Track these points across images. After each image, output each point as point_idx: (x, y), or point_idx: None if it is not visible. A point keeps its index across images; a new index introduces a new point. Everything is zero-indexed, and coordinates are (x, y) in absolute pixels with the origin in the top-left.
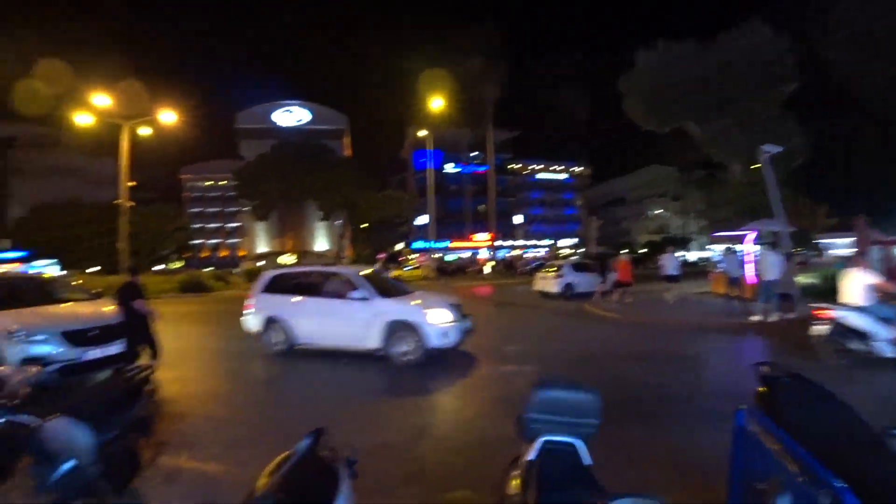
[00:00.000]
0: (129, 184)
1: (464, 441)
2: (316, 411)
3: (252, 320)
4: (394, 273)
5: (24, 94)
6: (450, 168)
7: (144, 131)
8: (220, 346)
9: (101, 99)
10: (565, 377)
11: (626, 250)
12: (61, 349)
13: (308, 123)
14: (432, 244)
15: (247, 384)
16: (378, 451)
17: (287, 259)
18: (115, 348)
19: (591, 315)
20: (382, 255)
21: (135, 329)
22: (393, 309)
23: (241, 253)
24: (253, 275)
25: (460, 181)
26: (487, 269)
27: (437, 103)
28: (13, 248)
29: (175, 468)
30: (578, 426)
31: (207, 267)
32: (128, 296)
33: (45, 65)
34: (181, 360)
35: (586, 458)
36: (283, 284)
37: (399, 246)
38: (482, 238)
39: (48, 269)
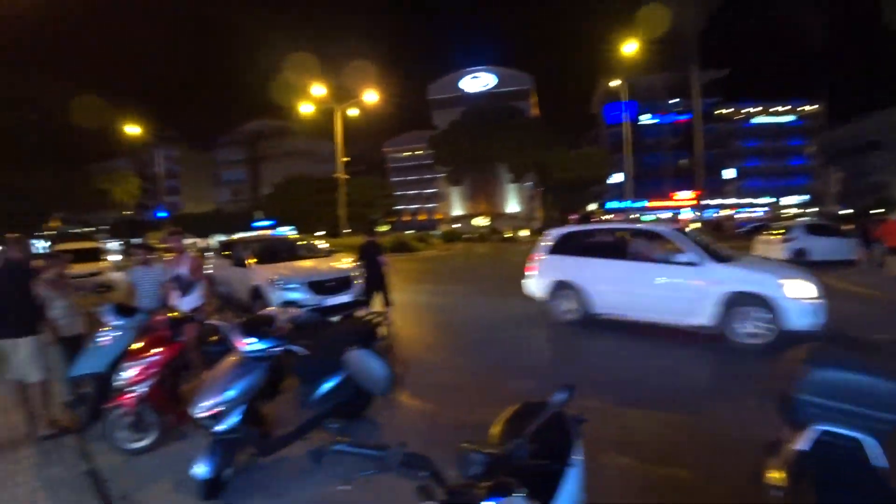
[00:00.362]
0: (344, 160)
1: (696, 419)
2: (538, 369)
3: (537, 284)
4: None
5: (269, 91)
6: (646, 119)
7: (353, 112)
8: (446, 302)
9: (318, 89)
10: (856, 355)
11: (882, 209)
12: (307, 296)
13: (494, 87)
14: (628, 204)
15: (468, 337)
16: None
17: (480, 221)
18: (347, 296)
19: (837, 288)
20: (575, 217)
21: (372, 281)
22: (735, 277)
23: (437, 216)
24: (450, 236)
25: (658, 133)
26: (692, 230)
27: (630, 47)
28: (265, 218)
29: (400, 403)
30: (871, 420)
31: (408, 230)
32: (369, 252)
33: (284, 63)
34: (410, 311)
35: (879, 459)
36: (578, 244)
37: (592, 207)
38: (685, 196)
39: (289, 233)
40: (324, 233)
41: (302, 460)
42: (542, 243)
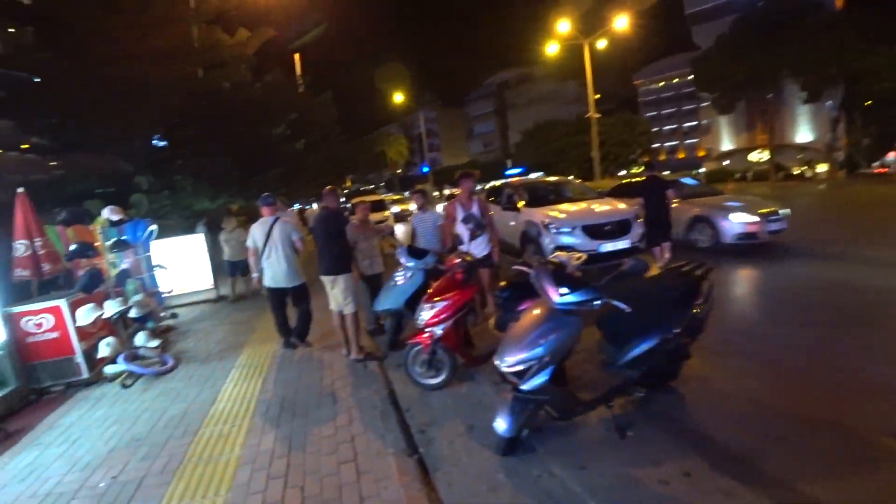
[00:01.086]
0: (594, 97)
1: None
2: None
3: None
4: None
5: (511, 41)
6: None
7: (601, 45)
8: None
9: (563, 25)
10: None
11: None
12: (581, 240)
13: None
14: None
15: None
16: None
17: (757, 156)
18: (624, 242)
19: None
20: None
21: (655, 224)
22: None
23: (699, 153)
24: (716, 175)
25: None
26: None
27: None
28: (514, 166)
29: (710, 376)
30: None
31: (665, 170)
32: (651, 190)
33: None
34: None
35: None
36: None
37: None
38: None
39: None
40: (572, 177)
41: (601, 429)
42: None
